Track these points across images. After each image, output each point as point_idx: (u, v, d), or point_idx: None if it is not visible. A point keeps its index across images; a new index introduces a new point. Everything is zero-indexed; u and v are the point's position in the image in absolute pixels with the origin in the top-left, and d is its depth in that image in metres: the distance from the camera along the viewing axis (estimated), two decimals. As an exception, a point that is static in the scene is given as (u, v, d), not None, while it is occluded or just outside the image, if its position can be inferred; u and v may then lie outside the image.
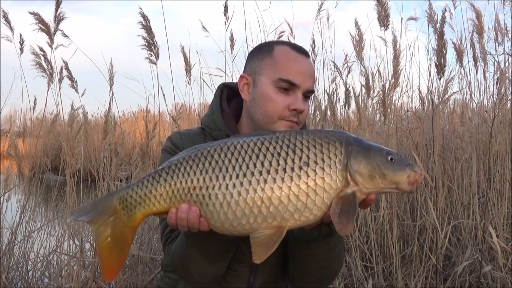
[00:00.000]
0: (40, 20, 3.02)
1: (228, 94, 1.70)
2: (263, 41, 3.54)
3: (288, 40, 3.65)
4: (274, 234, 1.24)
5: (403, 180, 1.25)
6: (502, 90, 3.35)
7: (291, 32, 3.76)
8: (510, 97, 3.53)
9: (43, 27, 3.02)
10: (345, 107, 3.74)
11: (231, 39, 3.59)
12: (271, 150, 1.26)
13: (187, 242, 1.43)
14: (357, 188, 1.24)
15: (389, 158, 1.26)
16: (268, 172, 1.23)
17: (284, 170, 1.23)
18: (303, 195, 1.22)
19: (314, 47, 3.78)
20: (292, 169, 1.23)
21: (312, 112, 3.75)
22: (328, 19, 3.78)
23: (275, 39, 3.55)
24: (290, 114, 1.54)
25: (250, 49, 1.73)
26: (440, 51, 3.12)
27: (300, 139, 1.27)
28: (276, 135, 1.30)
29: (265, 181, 1.23)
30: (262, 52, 1.60)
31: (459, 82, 3.71)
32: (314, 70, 1.62)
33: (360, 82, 3.60)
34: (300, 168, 1.23)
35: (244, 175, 1.24)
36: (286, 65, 1.55)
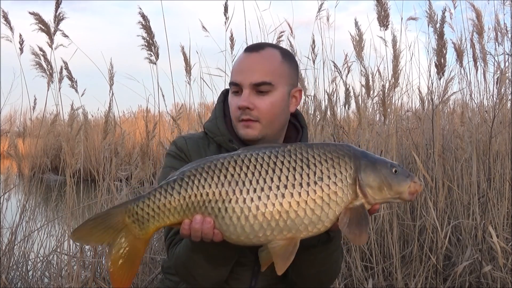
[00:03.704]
0: (40, 20, 3.01)
1: None
2: (263, 41, 3.55)
3: (288, 45, 3.68)
4: (289, 244, 1.28)
5: (406, 191, 1.33)
6: (502, 90, 3.35)
7: (291, 32, 3.76)
8: (510, 97, 3.53)
9: (43, 27, 3.02)
10: (345, 107, 3.74)
11: (231, 39, 3.58)
12: (286, 165, 1.30)
13: (192, 247, 1.43)
14: (365, 200, 1.31)
15: (393, 170, 1.33)
16: (286, 186, 1.28)
17: (301, 184, 1.28)
18: (318, 208, 1.28)
19: (314, 47, 3.78)
20: (308, 184, 1.28)
21: (312, 112, 3.75)
22: (328, 19, 3.78)
23: (275, 40, 3.57)
24: (240, 113, 1.56)
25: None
26: (440, 51, 3.11)
27: (311, 153, 1.32)
28: (287, 148, 1.34)
29: (283, 195, 1.27)
30: None
31: (459, 82, 3.72)
32: (262, 62, 1.58)
33: (360, 82, 3.61)
34: (315, 183, 1.29)
35: (262, 189, 1.28)
36: (233, 69, 1.62)
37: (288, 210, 1.27)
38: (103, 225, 1.30)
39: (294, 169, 1.29)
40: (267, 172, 1.29)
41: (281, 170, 1.29)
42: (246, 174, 1.29)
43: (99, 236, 1.30)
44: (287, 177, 1.29)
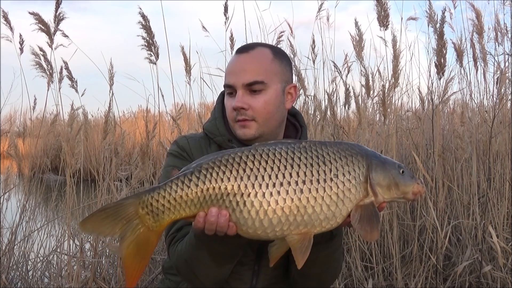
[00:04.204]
0: (40, 20, 3.01)
1: None
2: (263, 41, 3.56)
3: (288, 45, 3.68)
4: (304, 239, 1.31)
5: (410, 191, 1.38)
6: (502, 90, 3.35)
7: (291, 32, 3.76)
8: (510, 97, 3.52)
9: (43, 27, 3.02)
10: (345, 107, 3.74)
11: (231, 39, 3.58)
12: (304, 161, 1.33)
13: (197, 244, 1.43)
14: (374, 198, 1.34)
15: (400, 171, 1.38)
16: (304, 182, 1.30)
17: (318, 181, 1.31)
18: (333, 204, 1.31)
19: (314, 47, 3.78)
20: (325, 180, 1.31)
21: (312, 112, 3.75)
22: (328, 19, 3.79)
23: (275, 40, 3.57)
24: (236, 114, 1.58)
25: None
26: (440, 51, 3.11)
27: (326, 151, 1.36)
28: (302, 144, 1.36)
29: (301, 191, 1.30)
30: None
31: (459, 82, 3.71)
32: (253, 61, 1.59)
33: (360, 82, 3.61)
34: (331, 179, 1.32)
35: (281, 184, 1.30)
36: (226, 71, 1.63)
37: (306, 205, 1.29)
38: (114, 216, 1.27)
39: (311, 165, 1.32)
40: (285, 167, 1.31)
41: (298, 166, 1.31)
42: (265, 169, 1.30)
43: (110, 227, 1.27)
44: (304, 173, 1.31)
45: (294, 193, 1.29)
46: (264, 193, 1.28)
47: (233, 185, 1.29)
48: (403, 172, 1.37)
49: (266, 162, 1.31)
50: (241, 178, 1.29)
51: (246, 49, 1.62)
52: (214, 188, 1.29)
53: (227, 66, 1.66)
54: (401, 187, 1.36)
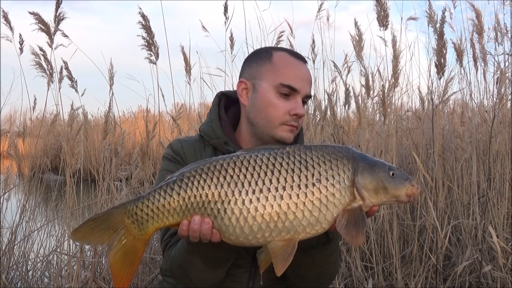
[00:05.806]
0: (40, 20, 3.01)
1: (226, 102, 1.73)
2: (263, 41, 3.56)
3: (288, 45, 3.67)
4: (287, 246, 1.29)
5: (403, 194, 1.33)
6: (502, 90, 3.35)
7: (291, 32, 3.76)
8: (510, 97, 3.52)
9: (43, 27, 3.02)
10: (345, 107, 3.74)
11: (231, 39, 3.58)
12: (285, 166, 1.31)
13: (189, 248, 1.44)
14: (363, 202, 1.31)
15: (391, 173, 1.33)
16: (284, 188, 1.29)
17: (299, 186, 1.29)
18: (316, 210, 1.28)
19: (314, 47, 3.78)
20: (306, 186, 1.29)
21: (312, 112, 3.76)
22: (328, 19, 3.79)
23: (275, 40, 3.56)
24: (291, 119, 1.57)
25: (250, 49, 1.76)
26: (440, 51, 3.11)
27: (310, 155, 1.33)
28: (286, 150, 1.35)
29: (282, 197, 1.28)
30: (260, 57, 1.63)
31: (459, 82, 3.72)
32: (311, 76, 1.65)
33: (360, 82, 3.61)
34: (313, 184, 1.29)
35: (261, 190, 1.28)
36: (286, 70, 1.58)
37: (287, 212, 1.27)
38: (103, 225, 1.31)
39: (293, 170, 1.30)
40: (266, 173, 1.29)
41: (279, 171, 1.30)
42: (245, 176, 1.29)
43: (99, 236, 1.31)
44: (285, 178, 1.29)
45: (274, 199, 1.27)
46: (244, 200, 1.28)
47: (213, 193, 1.29)
48: (393, 174, 1.33)
49: (247, 168, 1.30)
50: (222, 186, 1.29)
51: (304, 59, 1.65)
52: (195, 196, 1.29)
53: (287, 66, 1.59)
54: (391, 190, 1.32)
